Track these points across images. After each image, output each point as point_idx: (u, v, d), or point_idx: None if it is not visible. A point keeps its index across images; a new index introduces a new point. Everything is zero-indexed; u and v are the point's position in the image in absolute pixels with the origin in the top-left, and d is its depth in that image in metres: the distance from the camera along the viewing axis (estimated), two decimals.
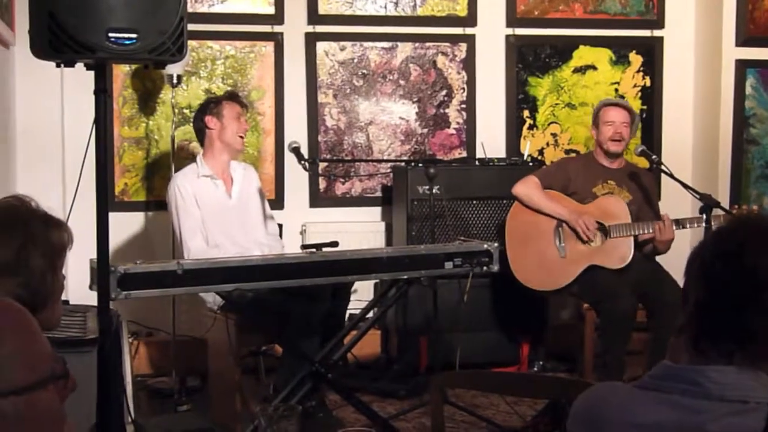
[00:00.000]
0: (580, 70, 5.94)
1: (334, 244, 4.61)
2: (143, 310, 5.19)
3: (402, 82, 5.76)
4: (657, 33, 6.00)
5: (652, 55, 6.00)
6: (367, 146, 5.74)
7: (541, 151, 5.90)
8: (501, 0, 5.82)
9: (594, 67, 5.95)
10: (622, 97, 5.90)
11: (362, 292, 5.24)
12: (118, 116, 5.42)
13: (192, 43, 5.22)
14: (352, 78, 5.70)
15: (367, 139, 5.74)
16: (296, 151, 4.80)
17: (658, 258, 4.90)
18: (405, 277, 4.06)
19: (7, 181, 4.89)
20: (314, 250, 3.98)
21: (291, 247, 4.97)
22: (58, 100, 5.26)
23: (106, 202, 3.12)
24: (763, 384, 1.41)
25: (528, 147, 5.65)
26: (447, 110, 5.82)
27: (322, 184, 5.70)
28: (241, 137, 4.66)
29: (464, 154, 5.80)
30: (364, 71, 5.72)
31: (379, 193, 5.77)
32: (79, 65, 3.01)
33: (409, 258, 4.03)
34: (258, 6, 5.56)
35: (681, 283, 1.56)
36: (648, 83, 6.02)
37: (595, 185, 4.93)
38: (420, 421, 4.47)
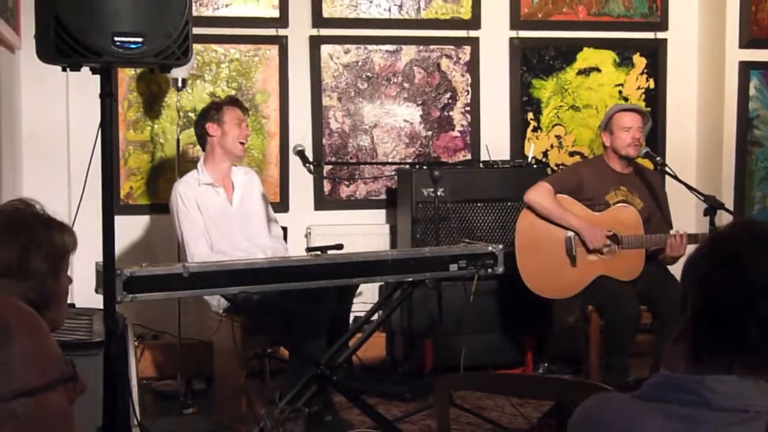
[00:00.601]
0: (584, 72, 5.94)
1: (339, 246, 4.61)
2: (149, 313, 5.19)
3: (406, 85, 5.77)
4: (661, 35, 6.00)
5: (655, 57, 6.01)
6: (372, 149, 5.75)
7: (545, 154, 5.90)
8: (505, 3, 5.82)
9: (598, 70, 5.96)
10: (626, 99, 5.90)
11: (367, 295, 5.25)
12: (124, 120, 5.43)
13: (197, 47, 5.23)
14: (357, 81, 5.71)
15: (372, 142, 5.75)
16: (301, 154, 4.81)
17: None
18: (410, 279, 4.06)
19: (13, 184, 4.90)
20: (319, 252, 3.99)
21: (296, 250, 4.98)
22: (63, 103, 5.27)
23: (112, 205, 3.14)
24: (764, 392, 1.40)
25: (532, 149, 5.65)
26: (451, 113, 5.83)
27: (327, 186, 5.71)
28: (242, 143, 4.66)
29: (468, 157, 5.80)
30: (369, 74, 5.72)
31: (383, 196, 5.77)
32: (85, 69, 3.03)
33: (413, 260, 4.03)
34: (262, 9, 5.57)
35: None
36: (652, 85, 6.02)
37: (608, 192, 4.91)
38: (425, 423, 4.47)
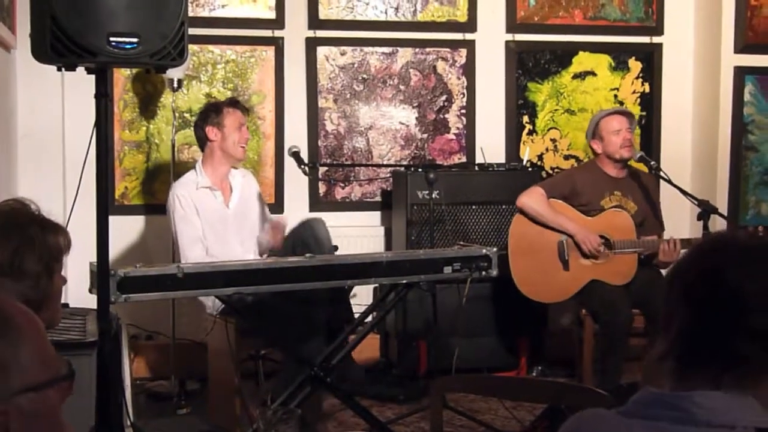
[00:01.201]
0: (580, 76, 5.95)
1: (334, 248, 4.63)
2: (143, 313, 5.19)
3: (402, 87, 5.77)
4: (656, 39, 6.01)
5: (651, 61, 6.02)
6: (367, 151, 5.76)
7: (540, 157, 5.91)
8: (501, 6, 5.83)
9: (593, 73, 5.97)
10: (621, 103, 5.91)
11: (362, 297, 5.25)
12: (119, 120, 5.43)
13: (193, 48, 5.23)
14: (353, 83, 5.71)
15: (367, 144, 5.75)
16: (296, 155, 4.81)
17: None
18: (404, 281, 4.07)
19: (8, 184, 4.90)
20: (313, 254, 3.99)
21: None
22: (59, 103, 5.27)
23: (107, 205, 3.14)
24: (751, 408, 1.37)
25: (527, 152, 5.66)
26: (447, 115, 5.83)
27: (322, 188, 5.71)
28: (243, 147, 4.64)
29: (464, 159, 5.80)
30: (365, 76, 5.73)
31: (378, 198, 5.78)
32: (80, 69, 3.03)
33: (408, 262, 4.04)
34: (259, 11, 5.57)
35: None
36: (647, 89, 6.03)
37: (603, 197, 4.91)
38: (419, 426, 4.47)
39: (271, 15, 5.58)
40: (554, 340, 5.43)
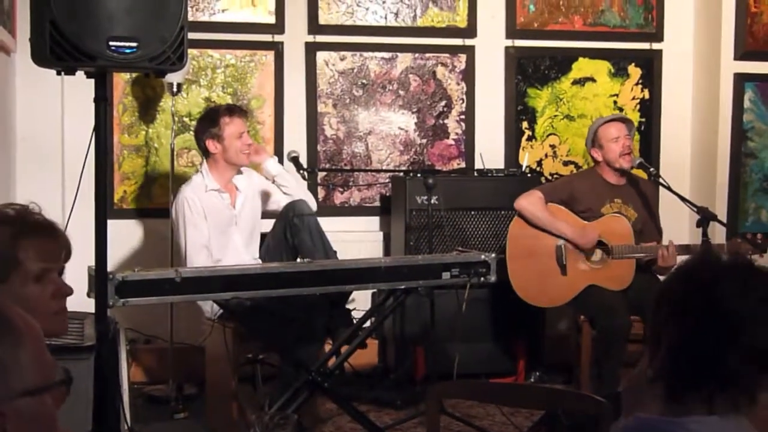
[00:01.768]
0: (579, 82, 5.96)
1: (333, 253, 4.63)
2: (141, 317, 5.18)
3: (401, 93, 5.78)
4: (656, 46, 6.02)
5: (651, 67, 6.02)
6: (366, 156, 5.76)
7: (539, 163, 5.91)
8: (501, 11, 5.84)
9: (593, 80, 5.97)
10: (621, 109, 5.92)
11: (360, 302, 5.24)
12: (118, 124, 5.43)
13: (192, 52, 5.23)
14: (352, 88, 5.72)
15: (366, 149, 5.75)
16: (295, 160, 4.81)
17: None
18: (402, 287, 4.07)
19: (7, 187, 4.90)
20: (312, 259, 4.00)
21: None
22: (58, 107, 5.27)
23: (105, 209, 3.13)
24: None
25: (527, 158, 5.66)
26: (446, 121, 5.84)
27: (321, 193, 5.71)
28: (246, 153, 4.63)
29: (463, 165, 5.81)
30: (364, 81, 5.73)
31: (377, 203, 5.78)
32: (80, 73, 3.03)
33: (406, 268, 4.04)
34: (259, 15, 5.58)
35: None
36: (647, 96, 6.03)
37: (603, 205, 4.91)
38: (416, 431, 4.47)
39: (271, 20, 5.58)
40: (552, 346, 5.43)
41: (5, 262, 2.00)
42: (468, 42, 5.82)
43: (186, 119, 5.42)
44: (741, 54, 5.78)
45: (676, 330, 1.41)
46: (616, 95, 5.99)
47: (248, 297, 3.84)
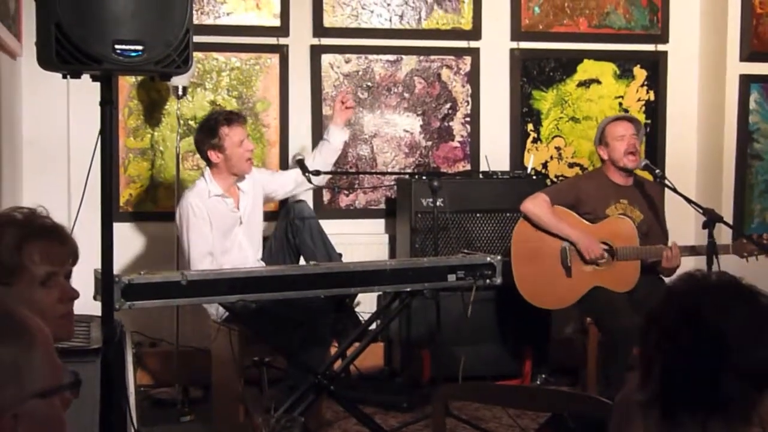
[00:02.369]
0: (585, 83, 5.95)
1: (339, 255, 4.63)
2: (147, 320, 5.19)
3: (406, 95, 5.78)
4: (661, 47, 6.01)
5: (656, 69, 6.01)
6: (372, 158, 5.76)
7: (545, 165, 5.90)
8: (506, 14, 5.83)
9: (598, 81, 5.96)
10: (626, 111, 5.91)
11: (365, 304, 5.24)
12: (124, 127, 5.44)
13: (198, 55, 5.24)
14: (357, 90, 5.72)
15: (372, 152, 5.75)
16: (300, 162, 4.82)
17: None
18: (408, 289, 4.07)
19: (13, 191, 4.91)
20: (313, 260, 4.00)
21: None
22: (64, 110, 5.28)
23: (111, 212, 3.14)
24: None
25: (532, 160, 5.66)
26: (451, 123, 5.83)
27: (326, 196, 5.71)
28: (249, 160, 4.62)
29: (468, 167, 5.80)
30: (369, 84, 5.73)
31: (382, 206, 5.77)
32: (85, 76, 3.04)
33: (412, 270, 4.04)
34: (263, 18, 5.58)
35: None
36: (652, 97, 6.03)
37: (608, 206, 4.91)
38: None
39: (276, 22, 5.59)
40: (558, 348, 5.42)
41: (12, 266, 2.01)
42: (473, 44, 5.82)
43: (191, 122, 5.42)
44: (747, 55, 5.77)
45: (666, 356, 1.41)
46: (622, 97, 5.99)
47: (254, 300, 3.85)
